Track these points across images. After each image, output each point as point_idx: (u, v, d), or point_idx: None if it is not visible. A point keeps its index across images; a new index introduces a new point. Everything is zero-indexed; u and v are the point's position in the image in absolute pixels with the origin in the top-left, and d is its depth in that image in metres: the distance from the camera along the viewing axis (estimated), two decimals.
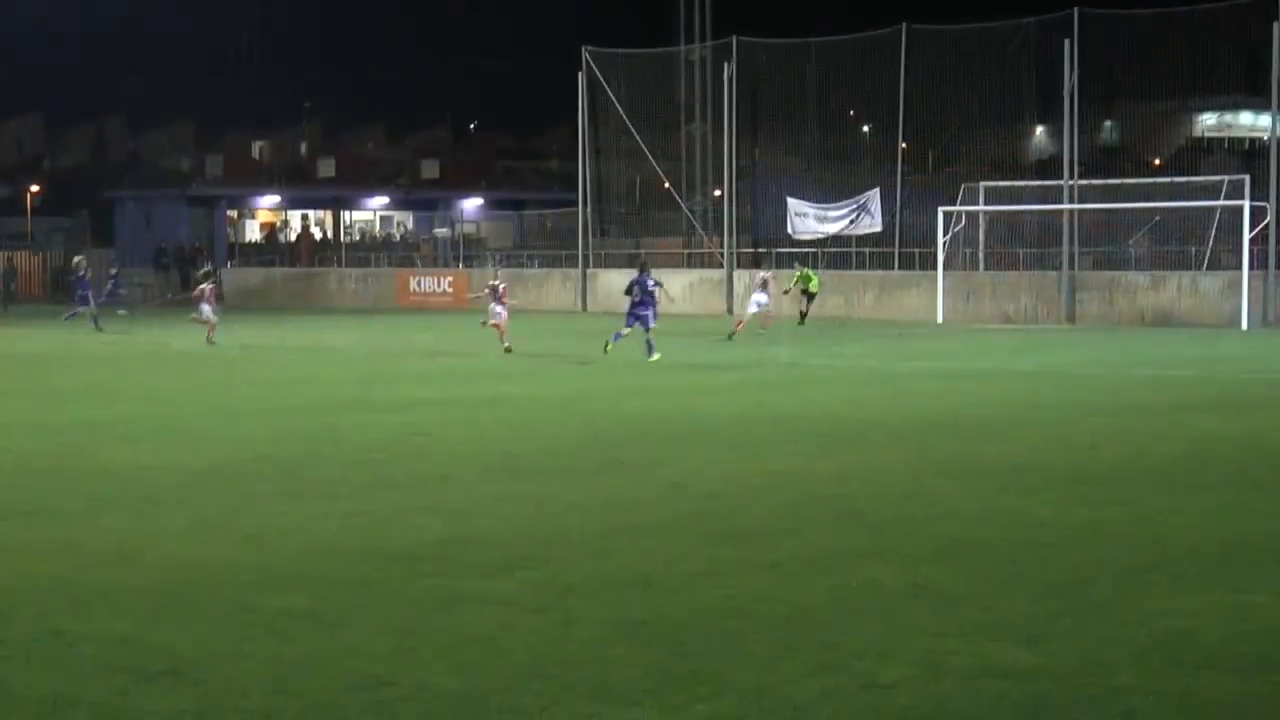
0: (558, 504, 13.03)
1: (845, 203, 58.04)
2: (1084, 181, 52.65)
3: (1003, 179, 55.66)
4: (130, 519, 12.32)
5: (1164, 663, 8.03)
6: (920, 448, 16.95)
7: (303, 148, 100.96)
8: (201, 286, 39.03)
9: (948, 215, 52.49)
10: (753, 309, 41.92)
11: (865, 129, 64.13)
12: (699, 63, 63.51)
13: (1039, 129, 66.10)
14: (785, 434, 18.34)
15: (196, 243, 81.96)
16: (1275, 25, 47.92)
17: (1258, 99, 57.24)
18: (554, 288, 63.32)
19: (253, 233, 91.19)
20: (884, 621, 8.87)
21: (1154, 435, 18.33)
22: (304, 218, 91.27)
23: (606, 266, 62.86)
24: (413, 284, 67.20)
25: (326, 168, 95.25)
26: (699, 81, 63.75)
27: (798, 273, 47.88)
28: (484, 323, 33.82)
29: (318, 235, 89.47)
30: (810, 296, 47.41)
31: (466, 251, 76.44)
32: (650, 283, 31.49)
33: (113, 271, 52.95)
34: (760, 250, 60.64)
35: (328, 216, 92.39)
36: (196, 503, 13.11)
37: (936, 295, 51.26)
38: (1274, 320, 47.29)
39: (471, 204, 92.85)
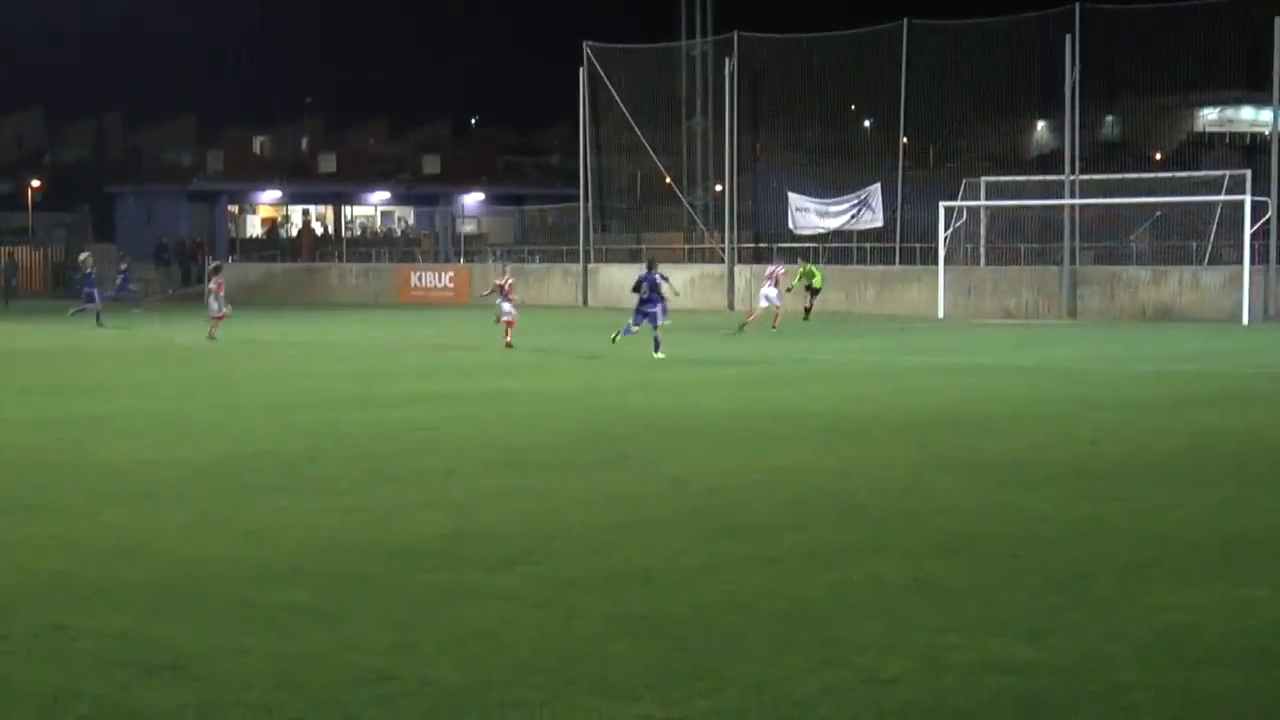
0: (560, 499, 13.03)
1: (846, 198, 58.00)
2: (1085, 176, 52.56)
3: (1004, 174, 55.53)
4: (131, 514, 12.32)
5: (1165, 658, 8.02)
6: (921, 443, 16.95)
7: (304, 143, 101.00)
8: (216, 280, 39.24)
9: (949, 210, 52.42)
10: (763, 303, 41.93)
11: (866, 124, 64.06)
12: (700, 58, 63.42)
13: (1040, 124, 66.06)
14: (786, 429, 18.35)
15: (197, 238, 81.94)
16: (1276, 20, 47.86)
17: (1259, 94, 57.10)
18: (555, 283, 63.32)
19: (254, 228, 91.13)
20: (885, 616, 8.87)
21: (1155, 430, 18.31)
22: (305, 213, 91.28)
23: (607, 262, 62.88)
24: (414, 279, 67.20)
25: (327, 163, 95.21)
26: (700, 77, 63.66)
27: (800, 269, 47.87)
28: (497, 319, 33.89)
29: (319, 231, 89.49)
30: (815, 292, 47.42)
31: (467, 247, 76.44)
32: (657, 277, 31.78)
33: (123, 266, 52.90)
34: (761, 245, 60.57)
35: (329, 212, 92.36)
36: (197, 498, 13.10)
37: (938, 290, 51.22)
38: (1275, 315, 47.25)
39: (473, 199, 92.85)
